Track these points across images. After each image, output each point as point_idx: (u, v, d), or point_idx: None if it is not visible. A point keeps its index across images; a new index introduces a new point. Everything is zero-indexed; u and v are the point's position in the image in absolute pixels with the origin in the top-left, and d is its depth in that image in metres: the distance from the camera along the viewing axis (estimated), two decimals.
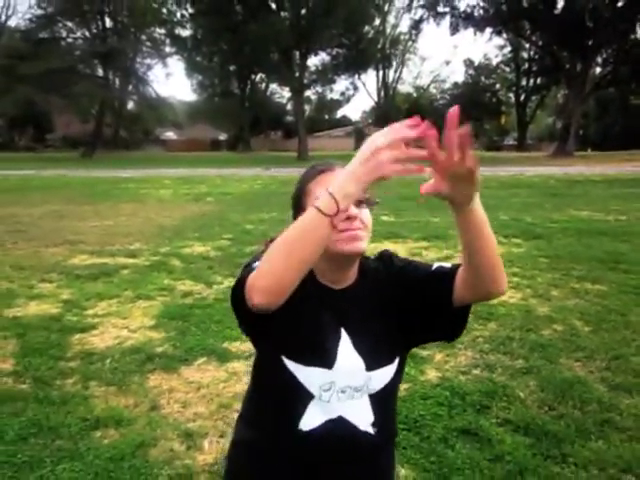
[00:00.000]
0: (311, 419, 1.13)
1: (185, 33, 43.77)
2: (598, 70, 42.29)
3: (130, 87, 50.98)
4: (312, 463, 1.16)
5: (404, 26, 79.91)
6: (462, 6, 42.12)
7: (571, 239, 7.50)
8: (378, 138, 0.88)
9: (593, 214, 9.93)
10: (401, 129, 0.87)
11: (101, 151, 42.67)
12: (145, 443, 2.79)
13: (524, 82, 55.69)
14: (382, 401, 1.19)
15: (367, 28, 44.69)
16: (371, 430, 1.17)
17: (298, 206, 1.14)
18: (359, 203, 1.08)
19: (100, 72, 48.22)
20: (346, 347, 1.15)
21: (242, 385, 3.42)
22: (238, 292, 1.04)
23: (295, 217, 1.10)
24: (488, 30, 41.30)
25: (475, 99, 56.76)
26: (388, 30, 53.25)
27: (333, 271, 1.15)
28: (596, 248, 6.91)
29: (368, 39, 45.15)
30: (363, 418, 1.16)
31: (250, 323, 1.10)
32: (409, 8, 47.91)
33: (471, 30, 41.12)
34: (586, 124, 54.76)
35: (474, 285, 1.08)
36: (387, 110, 53.92)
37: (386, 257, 1.26)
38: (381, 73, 53.75)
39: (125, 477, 2.52)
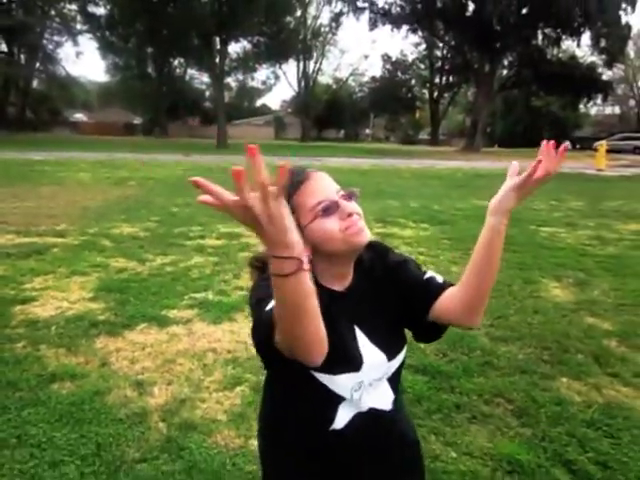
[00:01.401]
0: (342, 418, 1.18)
1: (99, 11, 41.99)
2: (505, 72, 45.21)
3: (37, 65, 48.19)
4: (347, 458, 1.22)
5: (325, 18, 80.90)
6: (380, 2, 43.65)
7: (472, 224, 8.42)
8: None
9: None
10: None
11: (5, 132, 40.09)
12: (100, 392, 3.16)
13: (437, 79, 58.28)
14: (396, 378, 1.27)
15: (289, 18, 44.99)
16: (392, 407, 1.25)
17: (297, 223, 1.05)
18: (348, 197, 1.14)
19: (4, 47, 45.24)
20: (366, 345, 1.19)
21: (184, 345, 3.85)
22: (263, 333, 1.01)
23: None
24: (404, 27, 42.99)
25: (392, 93, 58.67)
26: (309, 21, 53.83)
27: (334, 270, 1.17)
28: None
29: (289, 29, 45.49)
30: (387, 401, 1.24)
31: (278, 356, 1.00)
32: (329, 1, 48.80)
33: (389, 26, 42.61)
34: (493, 122, 58.28)
35: (460, 306, 1.17)
36: (307, 100, 54.58)
37: (381, 249, 1.29)
38: (302, 64, 54.23)
39: (87, 417, 2.89)
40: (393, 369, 1.24)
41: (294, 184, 1.12)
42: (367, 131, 73.76)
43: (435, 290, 1.21)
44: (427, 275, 1.25)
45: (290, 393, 1.22)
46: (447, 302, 1.20)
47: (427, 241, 7.17)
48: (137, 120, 60.76)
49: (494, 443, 2.78)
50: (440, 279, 1.26)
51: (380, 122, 73.42)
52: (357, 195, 1.16)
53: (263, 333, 1.01)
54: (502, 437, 2.84)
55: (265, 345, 1.02)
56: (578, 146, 50.22)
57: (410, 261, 1.29)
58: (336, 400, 1.16)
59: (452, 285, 1.24)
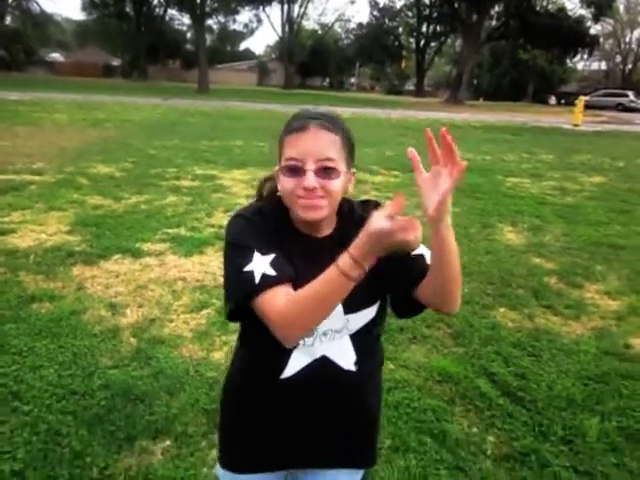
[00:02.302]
0: (296, 363, 1.18)
1: None
2: (493, 23, 44.55)
3: (10, 0, 46.12)
4: (298, 403, 1.22)
5: None
6: None
7: None
8: (382, 225, 0.95)
9: (464, 154, 11.24)
10: (395, 205, 0.96)
11: None
12: (77, 311, 3.45)
13: (424, 28, 57.15)
14: (363, 340, 1.22)
15: None
16: (353, 368, 1.22)
17: (279, 157, 1.15)
18: (324, 171, 1.09)
19: None
20: None
21: (155, 274, 4.13)
22: (240, 298, 1.09)
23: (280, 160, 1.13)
24: None
25: (378, 41, 57.46)
26: None
27: (305, 224, 1.17)
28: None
29: None
30: (346, 357, 1.21)
31: (248, 314, 1.12)
32: None
33: None
34: (480, 74, 57.81)
35: (432, 295, 1.13)
36: (291, 46, 53.30)
37: (376, 206, 1.22)
38: (286, 7, 52.60)
39: (64, 331, 3.18)
40: (355, 325, 1.20)
41: (292, 127, 1.12)
42: (352, 80, 72.66)
43: (421, 271, 1.14)
44: (419, 251, 1.16)
45: (249, 332, 1.25)
46: (423, 288, 1.14)
47: (396, 187, 7.45)
48: (116, 62, 58.95)
49: (429, 359, 3.14)
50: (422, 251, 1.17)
51: (366, 71, 72.33)
52: (337, 174, 1.10)
53: (240, 298, 1.09)
54: (437, 354, 3.21)
55: (239, 307, 1.10)
56: (563, 101, 50.35)
57: None
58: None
59: None
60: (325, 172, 1.08)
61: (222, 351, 3.09)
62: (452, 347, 3.30)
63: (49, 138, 10.37)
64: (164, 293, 3.80)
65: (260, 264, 1.08)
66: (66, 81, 36.44)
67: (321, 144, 1.09)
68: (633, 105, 39.84)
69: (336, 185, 1.10)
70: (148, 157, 8.85)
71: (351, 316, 1.18)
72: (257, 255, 1.09)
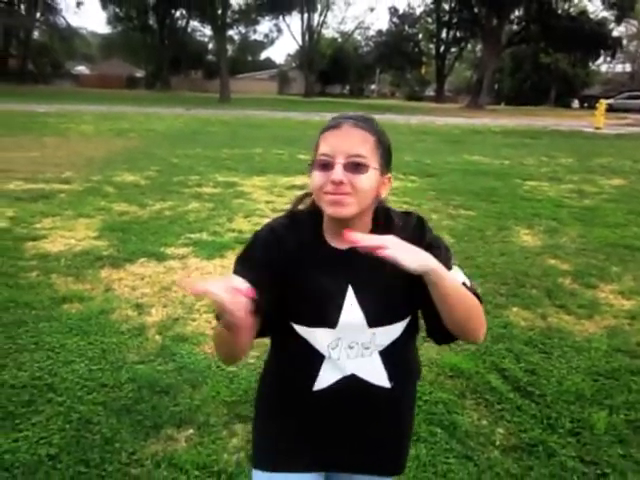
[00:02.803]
0: (325, 378, 1.18)
1: None
2: (513, 27, 44.35)
3: (38, 15, 47.47)
4: (330, 414, 1.22)
5: None
6: None
7: (458, 177, 8.78)
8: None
9: (482, 158, 11.37)
10: None
11: (6, 84, 39.91)
12: (105, 311, 3.63)
13: (444, 34, 57.10)
14: (394, 356, 1.20)
15: None
16: (387, 384, 1.21)
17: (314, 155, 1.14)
18: (354, 167, 1.07)
19: None
20: (353, 305, 1.15)
21: (179, 276, 4.31)
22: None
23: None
24: None
25: (398, 48, 57.60)
26: None
27: (335, 230, 1.14)
28: (476, 184, 8.23)
29: None
30: (376, 375, 1.20)
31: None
32: None
33: None
34: (501, 79, 57.45)
35: (452, 328, 1.13)
36: (312, 54, 53.75)
37: (417, 220, 1.21)
38: (306, 16, 53.12)
39: (94, 329, 3.37)
40: (383, 340, 1.18)
41: (327, 126, 1.13)
42: (372, 87, 72.82)
43: None
44: (453, 272, 1.13)
45: (280, 346, 1.27)
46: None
47: (413, 192, 7.55)
48: (139, 73, 60.14)
49: (442, 355, 3.25)
50: (464, 279, 1.16)
51: (386, 78, 72.42)
52: (368, 171, 1.08)
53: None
54: (449, 351, 3.30)
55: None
56: (586, 105, 49.74)
57: (443, 249, 1.17)
58: (317, 356, 1.17)
59: (476, 294, 1.16)
60: (354, 167, 1.07)
61: None
62: (464, 345, 3.39)
63: (76, 148, 10.72)
64: (187, 294, 3.97)
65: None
66: (91, 93, 37.34)
67: (352, 140, 1.08)
68: None
69: (364, 182, 1.08)
70: (171, 165, 9.11)
71: (377, 330, 1.17)
72: (237, 267, 1.16)
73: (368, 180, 1.08)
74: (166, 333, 3.37)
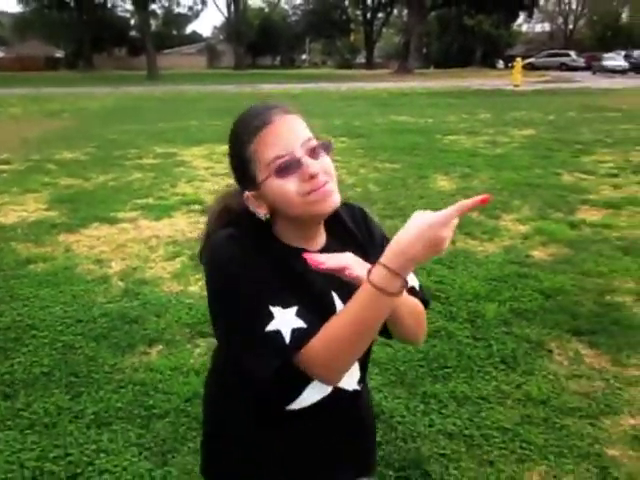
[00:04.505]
0: (307, 399, 1.05)
1: None
2: None
3: None
4: (302, 429, 1.09)
5: None
6: None
7: (385, 136, 9.44)
8: (442, 230, 0.84)
9: (408, 119, 12.10)
10: (456, 211, 0.84)
11: None
12: (69, 267, 4.04)
13: (370, 0, 57.40)
14: (366, 357, 1.13)
15: None
16: (358, 387, 1.13)
17: (246, 175, 0.98)
18: (318, 151, 0.96)
19: None
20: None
21: (132, 235, 4.73)
22: (273, 365, 0.93)
23: (242, 184, 1.00)
24: None
25: (326, 16, 57.61)
26: None
27: (299, 233, 1.02)
28: (401, 141, 8.92)
29: None
30: (352, 380, 1.11)
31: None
32: None
33: None
34: (429, 43, 58.62)
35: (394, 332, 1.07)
36: (239, 26, 52.92)
37: (362, 214, 1.15)
38: None
39: (62, 281, 3.78)
40: None
41: (252, 129, 0.95)
42: (303, 57, 72.60)
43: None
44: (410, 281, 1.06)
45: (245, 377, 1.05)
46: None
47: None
48: (59, 53, 57.42)
49: None
50: (413, 283, 1.09)
51: (317, 47, 72.31)
52: (330, 148, 0.99)
53: (271, 365, 0.92)
54: None
55: (273, 377, 0.93)
56: (510, 64, 51.67)
57: (387, 239, 1.07)
58: (304, 381, 1.01)
59: (425, 302, 1.11)
60: (314, 152, 0.96)
61: (197, 285, 3.74)
62: None
63: (9, 130, 10.65)
64: (142, 248, 4.42)
65: (285, 320, 0.93)
66: (10, 76, 35.61)
67: (295, 127, 0.97)
68: (575, 64, 41.40)
69: (329, 162, 0.98)
70: (109, 141, 9.30)
71: None
72: (278, 310, 0.93)
73: (330, 160, 0.99)
74: (128, 279, 3.83)
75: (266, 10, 64.06)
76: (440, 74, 36.44)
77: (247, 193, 0.99)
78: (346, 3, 62.22)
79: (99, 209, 5.40)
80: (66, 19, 48.04)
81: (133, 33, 56.65)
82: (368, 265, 0.91)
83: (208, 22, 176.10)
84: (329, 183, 0.95)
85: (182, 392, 2.56)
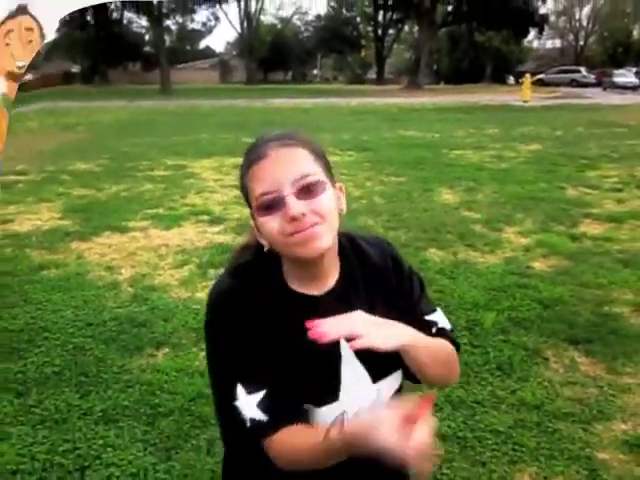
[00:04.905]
0: None
1: None
2: (448, 8, 45.66)
3: None
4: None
5: None
6: None
7: (392, 150, 9.56)
8: (388, 445, 0.73)
9: (416, 133, 12.24)
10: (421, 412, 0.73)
11: None
12: (80, 273, 4.18)
13: (381, 16, 57.99)
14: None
15: None
16: None
17: (249, 206, 0.95)
18: (308, 190, 0.88)
19: None
20: (350, 363, 0.97)
21: (142, 243, 4.87)
22: (248, 440, 0.92)
23: (250, 214, 0.95)
24: None
25: (338, 32, 58.28)
26: None
27: (304, 274, 0.96)
28: (408, 155, 9.04)
29: None
30: None
31: None
32: None
33: None
34: (439, 59, 59.03)
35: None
36: (251, 41, 53.65)
37: (390, 247, 1.08)
38: (243, 3, 52.88)
39: (73, 286, 3.92)
40: (388, 393, 1.01)
41: (247, 161, 0.93)
42: (315, 72, 73.34)
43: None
44: (432, 316, 1.03)
45: None
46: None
47: (350, 165, 8.28)
48: (75, 68, 58.43)
49: None
50: (444, 324, 1.04)
51: (328, 62, 73.02)
52: (328, 186, 0.91)
53: (248, 440, 0.92)
54: None
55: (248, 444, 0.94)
56: (520, 80, 51.83)
57: (416, 278, 1.08)
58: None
59: (454, 343, 1.04)
60: (308, 191, 0.88)
61: (203, 292, 3.85)
62: None
63: (25, 143, 10.89)
64: (151, 256, 4.55)
65: (247, 405, 0.91)
66: (33, 95, 36.28)
67: (290, 162, 0.89)
68: (585, 80, 41.43)
69: (326, 202, 0.89)
70: (122, 154, 9.52)
71: (382, 384, 1.00)
72: (242, 393, 0.91)
73: (328, 199, 0.91)
74: (137, 285, 3.96)
75: (278, 26, 64.87)
76: (450, 90, 36.64)
77: (252, 224, 0.96)
78: (358, 19, 62.94)
79: (111, 218, 5.55)
80: (84, 35, 48.94)
81: (147, 48, 57.59)
82: (380, 322, 0.86)
83: (221, 38, 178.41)
84: (318, 225, 0.88)
85: (187, 392, 2.66)
